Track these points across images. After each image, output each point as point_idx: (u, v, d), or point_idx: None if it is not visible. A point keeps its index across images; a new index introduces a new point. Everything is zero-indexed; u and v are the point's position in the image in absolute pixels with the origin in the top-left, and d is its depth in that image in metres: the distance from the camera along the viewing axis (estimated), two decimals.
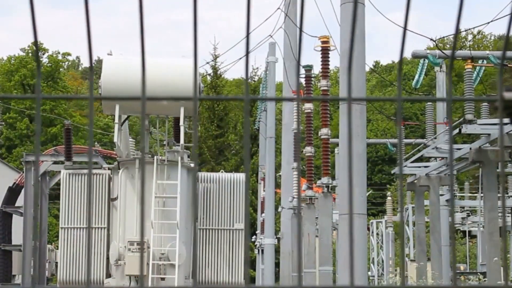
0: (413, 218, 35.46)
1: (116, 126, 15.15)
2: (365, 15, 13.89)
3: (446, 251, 24.07)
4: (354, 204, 12.99)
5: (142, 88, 2.19)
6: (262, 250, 33.73)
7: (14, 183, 19.90)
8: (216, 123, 50.75)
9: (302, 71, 18.29)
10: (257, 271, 37.62)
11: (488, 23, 18.84)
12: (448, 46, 61.15)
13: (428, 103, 22.42)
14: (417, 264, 22.88)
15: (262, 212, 33.65)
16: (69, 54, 76.67)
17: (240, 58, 33.05)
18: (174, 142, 16.44)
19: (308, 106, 18.29)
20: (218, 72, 51.81)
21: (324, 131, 16.10)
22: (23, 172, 19.11)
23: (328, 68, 16.44)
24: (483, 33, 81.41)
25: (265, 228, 29.58)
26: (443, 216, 24.49)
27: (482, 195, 27.98)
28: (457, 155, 18.73)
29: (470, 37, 72.23)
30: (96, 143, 21.44)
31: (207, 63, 40.73)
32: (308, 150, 18.17)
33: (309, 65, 18.09)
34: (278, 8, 21.81)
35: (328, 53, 16.06)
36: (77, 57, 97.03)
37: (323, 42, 16.06)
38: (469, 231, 39.37)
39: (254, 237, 38.67)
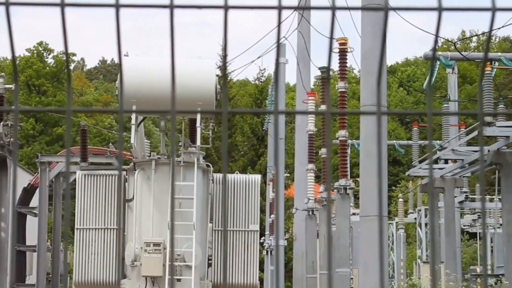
0: (426, 219, 35.34)
1: (133, 128, 15.09)
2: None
3: (459, 253, 24.01)
4: (371, 206, 12.96)
5: (172, 101, 2.16)
6: (271, 251, 33.58)
7: (29, 183, 19.90)
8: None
9: (318, 72, 18.29)
10: (266, 272, 37.52)
11: (499, 28, 18.78)
12: (452, 48, 60.78)
13: (444, 105, 22.35)
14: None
15: (271, 213, 33.49)
16: (74, 55, 76.62)
17: (253, 61, 33.05)
18: (190, 143, 16.37)
19: (324, 107, 18.23)
20: (227, 73, 51.77)
21: (341, 133, 16.03)
22: (37, 172, 19.12)
23: (346, 70, 16.37)
24: (487, 35, 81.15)
25: (274, 229, 29.50)
26: (457, 218, 24.44)
27: (494, 197, 27.96)
28: (474, 157, 18.67)
29: (474, 39, 72.13)
30: (110, 144, 21.41)
31: (219, 67, 40.73)
32: (324, 151, 18.12)
33: (325, 67, 17.98)
34: (295, 9, 21.73)
35: (346, 55, 16.00)
36: (82, 59, 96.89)
37: (340, 44, 15.99)
38: (479, 233, 39.27)
39: (262, 238, 38.57)
